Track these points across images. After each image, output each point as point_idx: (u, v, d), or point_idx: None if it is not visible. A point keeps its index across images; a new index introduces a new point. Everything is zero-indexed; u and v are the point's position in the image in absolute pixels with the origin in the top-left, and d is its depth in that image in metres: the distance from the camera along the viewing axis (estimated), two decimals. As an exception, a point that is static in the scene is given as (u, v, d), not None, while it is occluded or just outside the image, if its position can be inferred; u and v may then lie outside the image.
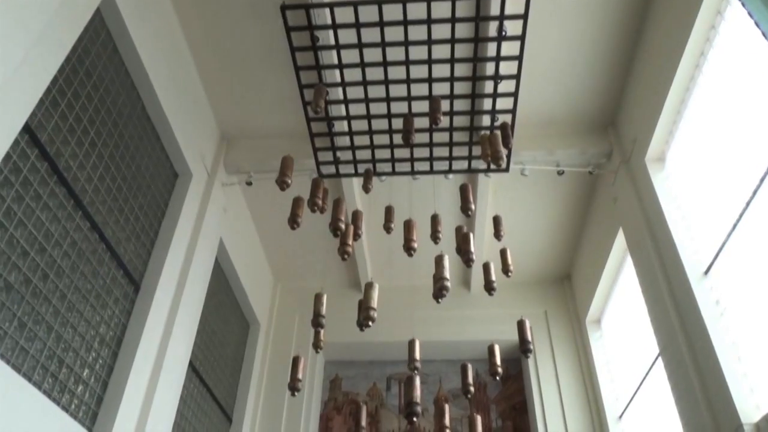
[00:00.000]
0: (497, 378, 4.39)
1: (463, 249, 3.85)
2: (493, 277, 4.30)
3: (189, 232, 6.23)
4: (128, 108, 5.36)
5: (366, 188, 4.99)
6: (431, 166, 6.25)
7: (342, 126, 6.34)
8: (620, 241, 6.88)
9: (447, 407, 4.10)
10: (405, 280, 9.46)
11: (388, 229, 4.55)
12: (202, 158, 6.56)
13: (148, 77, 5.42)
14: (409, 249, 3.85)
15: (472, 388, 4.34)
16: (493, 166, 6.44)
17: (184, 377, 6.02)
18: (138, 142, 5.52)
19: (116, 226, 5.10)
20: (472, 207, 3.85)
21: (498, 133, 3.78)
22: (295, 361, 4.44)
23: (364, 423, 4.42)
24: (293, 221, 3.98)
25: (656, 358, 6.17)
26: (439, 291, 3.39)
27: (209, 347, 7.18)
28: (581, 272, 8.59)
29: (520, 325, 4.04)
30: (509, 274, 4.55)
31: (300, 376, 4.36)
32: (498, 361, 4.45)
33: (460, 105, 6.37)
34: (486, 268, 4.40)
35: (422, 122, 6.02)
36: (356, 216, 4.18)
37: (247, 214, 8.12)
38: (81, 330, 4.54)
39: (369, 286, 3.41)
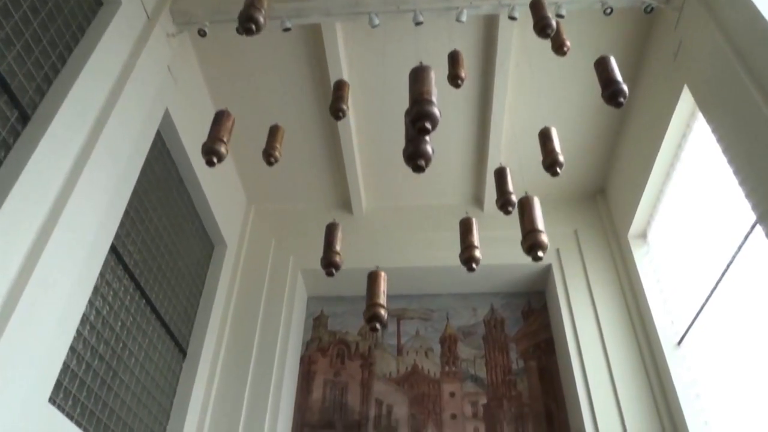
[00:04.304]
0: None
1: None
2: (549, 13, 2.70)
3: (112, 76, 4.63)
4: None
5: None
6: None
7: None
8: (684, 105, 5.28)
9: (474, 224, 2.55)
10: (404, 199, 7.89)
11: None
12: (136, -10, 5.01)
13: None
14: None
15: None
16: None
17: (101, 265, 4.42)
18: None
19: (-18, 10, 3.53)
20: None
21: None
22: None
23: (338, 245, 2.84)
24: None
25: (744, 240, 4.58)
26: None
27: (151, 251, 5.58)
28: (620, 179, 6.99)
29: (601, 62, 2.41)
30: (564, 49, 2.95)
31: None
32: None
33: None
34: (536, 5, 2.78)
35: None
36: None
37: (207, 100, 6.54)
38: None
39: None
